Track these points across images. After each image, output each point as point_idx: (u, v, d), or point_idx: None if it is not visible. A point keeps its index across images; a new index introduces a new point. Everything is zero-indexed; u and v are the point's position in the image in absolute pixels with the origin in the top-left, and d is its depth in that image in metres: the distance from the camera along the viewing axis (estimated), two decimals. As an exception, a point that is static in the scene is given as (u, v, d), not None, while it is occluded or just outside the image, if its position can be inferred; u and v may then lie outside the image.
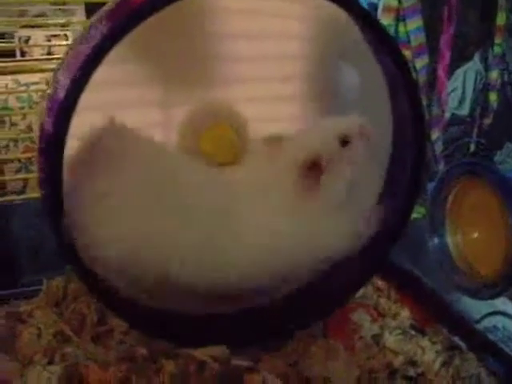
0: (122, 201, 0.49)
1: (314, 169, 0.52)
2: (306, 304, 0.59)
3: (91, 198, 0.49)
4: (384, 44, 0.52)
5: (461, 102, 1.27)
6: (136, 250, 0.50)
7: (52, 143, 0.45)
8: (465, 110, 1.31)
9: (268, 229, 0.53)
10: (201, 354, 0.53)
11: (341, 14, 0.50)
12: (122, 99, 0.52)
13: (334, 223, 0.54)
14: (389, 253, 0.60)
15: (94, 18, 0.50)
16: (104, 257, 0.49)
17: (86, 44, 0.45)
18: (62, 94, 0.44)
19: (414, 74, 0.93)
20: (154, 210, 0.50)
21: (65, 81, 0.45)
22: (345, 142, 0.54)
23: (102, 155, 0.50)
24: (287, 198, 0.53)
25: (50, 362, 0.55)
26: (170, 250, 0.51)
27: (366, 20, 0.51)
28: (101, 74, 0.44)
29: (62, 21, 0.98)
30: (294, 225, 0.53)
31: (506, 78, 1.20)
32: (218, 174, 0.55)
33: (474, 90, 1.24)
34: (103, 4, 0.51)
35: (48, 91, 0.50)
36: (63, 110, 0.44)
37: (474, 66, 1.26)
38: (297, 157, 0.53)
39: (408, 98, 0.54)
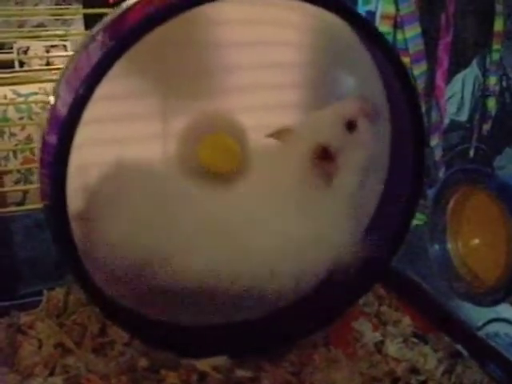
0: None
1: (324, 158, 0.52)
2: (308, 313, 0.59)
3: None
4: (382, 51, 0.52)
5: (460, 107, 1.27)
6: (147, 266, 0.51)
7: (56, 156, 0.46)
8: (464, 116, 1.32)
9: (278, 230, 0.52)
10: (202, 364, 0.53)
11: (338, 21, 0.50)
12: (121, 112, 0.52)
13: (343, 222, 0.54)
14: (390, 261, 0.60)
15: (93, 30, 0.50)
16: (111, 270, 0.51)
17: (86, 60, 0.46)
18: (64, 110, 0.45)
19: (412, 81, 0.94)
20: (158, 225, 0.51)
21: (66, 97, 0.46)
22: (350, 125, 0.53)
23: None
24: (298, 193, 0.53)
25: (51, 374, 0.54)
26: (183, 267, 0.51)
27: (365, 28, 0.51)
28: (101, 88, 0.44)
29: (60, 32, 0.98)
30: (304, 224, 0.53)
31: (504, 83, 1.20)
32: (221, 189, 0.55)
33: (473, 95, 1.24)
34: (101, 15, 0.51)
35: (50, 103, 0.50)
36: (67, 126, 0.45)
37: (472, 71, 1.26)
38: (305, 148, 0.52)
39: (407, 104, 0.54)
